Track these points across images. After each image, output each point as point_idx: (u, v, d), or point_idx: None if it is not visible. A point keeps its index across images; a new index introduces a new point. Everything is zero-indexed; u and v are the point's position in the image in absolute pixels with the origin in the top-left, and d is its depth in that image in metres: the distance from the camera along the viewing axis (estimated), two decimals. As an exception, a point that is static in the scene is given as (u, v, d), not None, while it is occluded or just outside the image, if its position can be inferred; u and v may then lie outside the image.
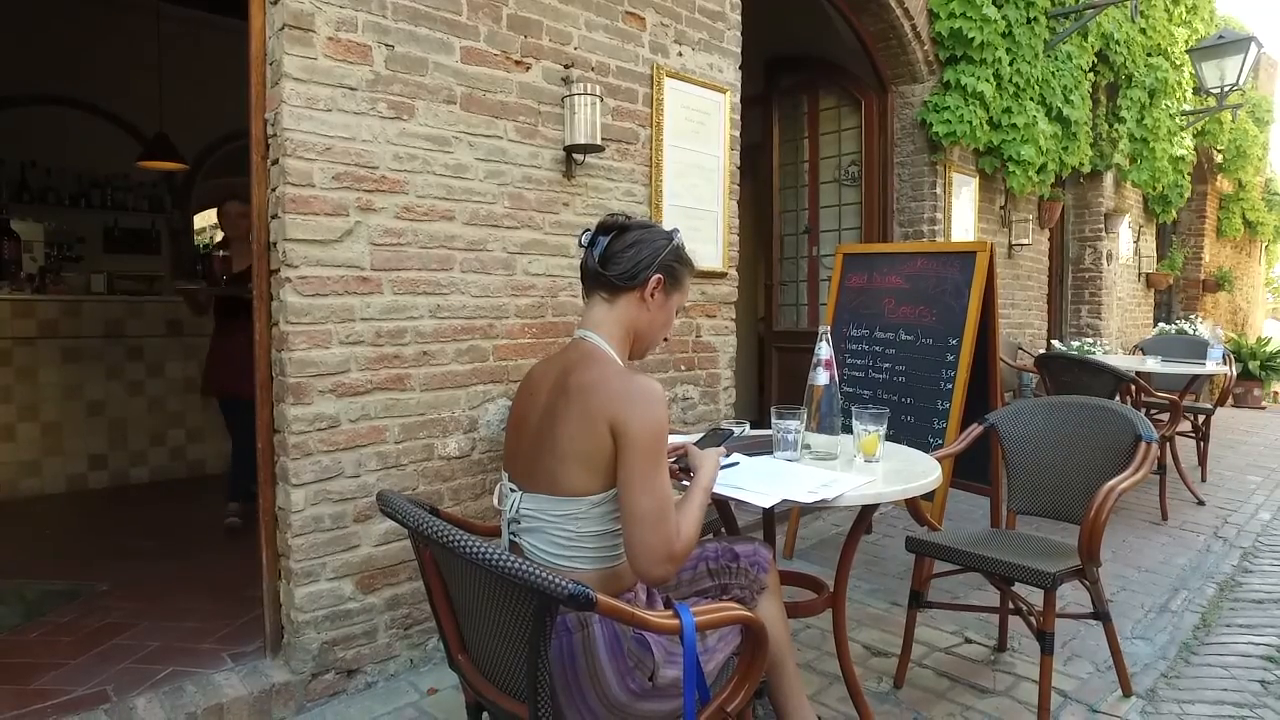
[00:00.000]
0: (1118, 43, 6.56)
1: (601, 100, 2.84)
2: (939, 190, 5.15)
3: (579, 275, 2.84)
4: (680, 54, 3.30)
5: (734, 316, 3.64)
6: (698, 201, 3.39)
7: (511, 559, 1.14)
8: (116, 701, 2.23)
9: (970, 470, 3.47)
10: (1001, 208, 5.92)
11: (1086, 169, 6.65)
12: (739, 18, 3.56)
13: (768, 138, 5.65)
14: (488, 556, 1.15)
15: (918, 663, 2.66)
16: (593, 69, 2.96)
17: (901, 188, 5.28)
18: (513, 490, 1.46)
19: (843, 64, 5.33)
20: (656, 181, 3.18)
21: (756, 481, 1.81)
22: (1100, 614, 2.31)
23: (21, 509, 4.38)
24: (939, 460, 2.21)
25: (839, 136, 5.50)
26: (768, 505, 1.68)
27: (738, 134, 3.57)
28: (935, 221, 5.15)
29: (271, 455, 2.36)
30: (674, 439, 1.78)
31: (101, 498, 4.71)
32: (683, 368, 3.39)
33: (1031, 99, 5.41)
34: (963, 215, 5.38)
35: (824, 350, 2.13)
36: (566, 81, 2.83)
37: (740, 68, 3.59)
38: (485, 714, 1.58)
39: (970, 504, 4.39)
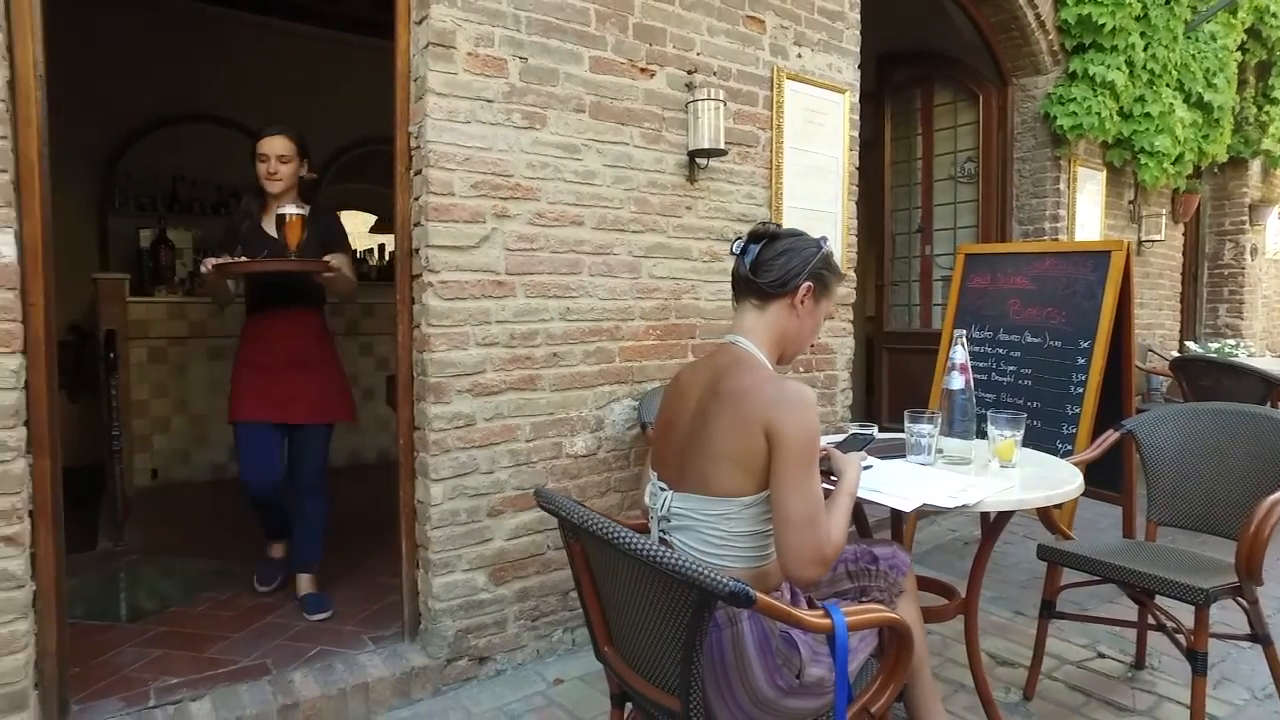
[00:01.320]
0: (1274, 15, 6.07)
1: (724, 105, 2.87)
2: (1062, 186, 4.94)
3: (701, 278, 2.90)
4: (800, 55, 3.29)
5: (851, 318, 3.60)
6: (817, 203, 3.37)
7: (676, 555, 1.18)
8: (276, 674, 2.41)
9: (1100, 478, 3.32)
10: (1130, 202, 5.62)
11: (1224, 158, 6.23)
12: (858, 16, 3.52)
13: (879, 135, 5.55)
14: (652, 553, 1.19)
15: (1047, 675, 2.58)
16: (714, 74, 2.99)
17: (1021, 184, 5.09)
18: (663, 489, 1.51)
19: (959, 58, 5.18)
20: (776, 183, 3.19)
21: (893, 485, 1.80)
22: (1260, 636, 2.18)
23: (174, 494, 4.76)
24: (1076, 468, 2.14)
25: (954, 132, 5.35)
26: (909, 509, 1.67)
27: (857, 134, 3.53)
28: (1058, 219, 4.94)
29: (411, 451, 2.49)
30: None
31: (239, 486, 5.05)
32: (801, 369, 3.38)
33: (1168, 85, 5.10)
34: (1088, 211, 5.14)
35: (959, 354, 2.10)
36: (690, 87, 2.87)
37: (859, 66, 3.55)
38: (629, 704, 1.64)
39: (1096, 513, 4.19)
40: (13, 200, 1.84)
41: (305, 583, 2.92)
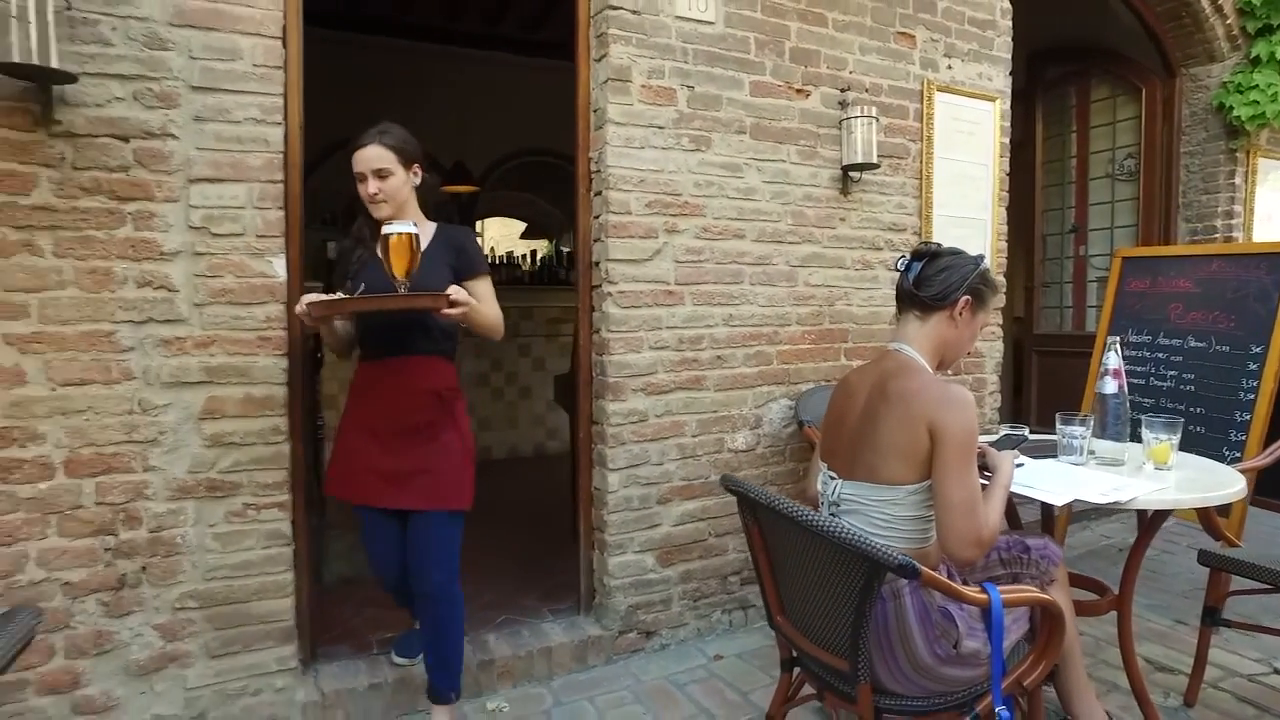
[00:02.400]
0: None
1: (876, 120, 3.02)
2: (1237, 180, 4.71)
3: (854, 286, 3.06)
4: (950, 67, 3.38)
5: (1000, 322, 3.64)
6: (966, 210, 3.45)
7: (852, 529, 1.39)
8: (472, 636, 2.76)
9: (1273, 487, 3.22)
10: (1317, 196, 5.26)
11: None
12: (1009, 23, 3.56)
13: (1030, 134, 5.45)
14: (832, 528, 1.41)
15: (1212, 684, 2.57)
16: (866, 90, 3.14)
17: (1189, 180, 4.89)
18: (833, 478, 1.72)
19: (1118, 50, 5.03)
20: (926, 193, 3.30)
21: (1045, 482, 1.92)
22: None
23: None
24: (1240, 473, 2.16)
25: (1113, 129, 5.20)
26: (1060, 503, 1.79)
27: (1008, 141, 3.57)
28: (1232, 215, 4.72)
29: (590, 443, 2.80)
30: (974, 441, 1.94)
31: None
32: (950, 372, 3.47)
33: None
34: (1268, 206, 4.87)
35: (1112, 360, 2.18)
36: (843, 105, 3.04)
37: (1010, 73, 3.58)
38: (795, 669, 1.85)
39: (1274, 525, 4.01)
40: (284, 230, 2.26)
41: (442, 715, 2.25)
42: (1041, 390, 5.45)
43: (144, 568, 2.12)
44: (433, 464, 2.14)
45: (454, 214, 8.40)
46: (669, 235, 2.74)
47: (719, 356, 2.86)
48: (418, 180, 2.22)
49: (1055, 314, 5.50)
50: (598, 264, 2.73)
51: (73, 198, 2.02)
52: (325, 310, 1.96)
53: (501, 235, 12.00)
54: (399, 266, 1.94)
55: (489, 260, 9.19)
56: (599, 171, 2.71)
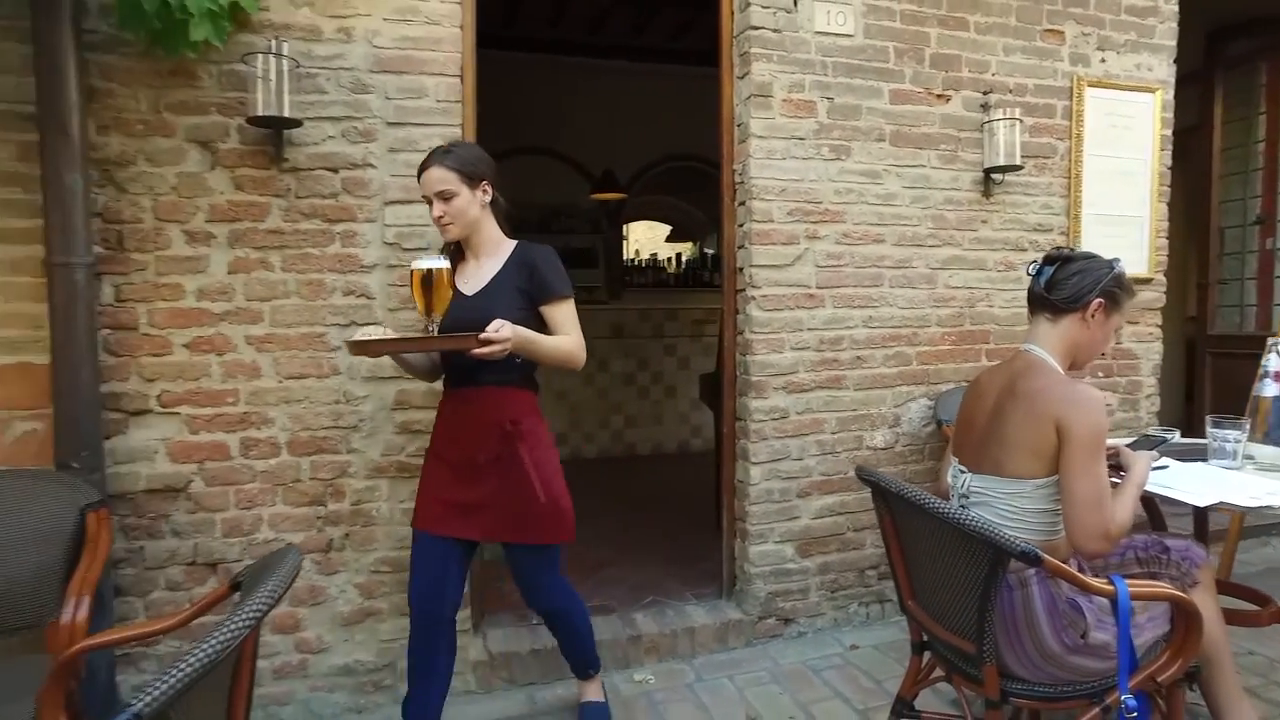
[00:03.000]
0: None
1: (1020, 122, 3.01)
2: None
3: (996, 287, 3.07)
4: (1103, 60, 3.29)
5: (1159, 323, 3.50)
6: (1120, 208, 3.35)
7: (977, 518, 1.49)
8: (621, 612, 3.00)
9: None
10: None
11: None
12: (1175, 7, 3.41)
13: (1206, 120, 5.11)
14: (957, 515, 1.51)
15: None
16: (1010, 91, 3.13)
17: (1394, 166, 4.45)
18: (963, 471, 1.81)
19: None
20: (1075, 192, 3.24)
21: (1190, 484, 1.91)
22: None
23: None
24: None
25: (1309, 111, 4.78)
26: (1202, 504, 1.79)
27: (1169, 134, 3.43)
28: None
29: (734, 438, 2.97)
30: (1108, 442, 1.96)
31: (564, 468, 5.93)
32: (1100, 374, 3.38)
33: None
34: None
35: (1273, 362, 2.12)
36: (985, 108, 3.05)
37: (1174, 60, 3.44)
38: (926, 653, 1.95)
39: None
40: (463, 244, 2.57)
41: (589, 689, 2.40)
42: (1216, 394, 5.10)
43: (347, 535, 2.49)
44: (500, 500, 2.05)
45: (602, 220, 8.80)
46: (810, 241, 2.87)
47: (858, 357, 2.95)
48: (487, 198, 2.08)
49: (1234, 313, 5.13)
50: (742, 269, 2.90)
51: (295, 222, 2.41)
52: (357, 351, 1.86)
53: (647, 238, 12.35)
54: (422, 304, 1.88)
55: (635, 264, 9.53)
56: (743, 182, 2.87)
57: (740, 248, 2.90)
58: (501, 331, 1.81)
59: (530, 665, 2.67)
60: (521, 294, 2.03)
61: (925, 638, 1.92)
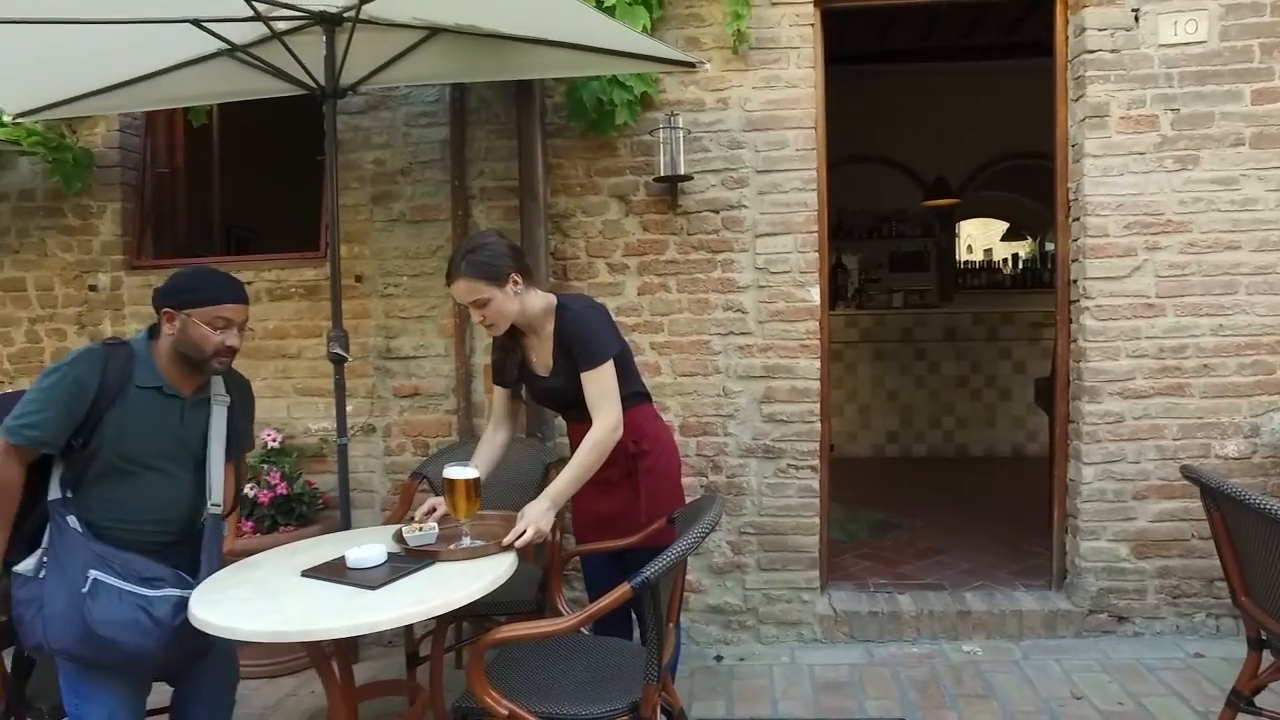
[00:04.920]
0: None
1: None
2: None
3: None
4: None
5: None
6: None
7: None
8: (950, 590, 3.32)
9: None
10: None
11: None
12: None
13: None
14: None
15: None
16: None
17: None
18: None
19: None
20: None
21: None
22: None
23: (845, 465, 6.10)
24: None
25: None
26: None
27: None
28: None
29: (1066, 439, 3.14)
30: None
31: (893, 464, 6.21)
32: None
33: None
34: None
35: None
36: (1371, 101, 2.86)
37: None
38: (1266, 650, 2.05)
39: None
40: (817, 268, 3.09)
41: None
42: None
43: (723, 502, 3.13)
44: (624, 510, 2.19)
45: (934, 223, 8.81)
46: (1149, 253, 2.95)
47: (1205, 365, 2.95)
48: (521, 288, 2.06)
49: None
50: (1075, 282, 3.06)
51: (686, 254, 3.12)
52: (414, 552, 1.94)
53: (981, 235, 11.92)
54: (460, 510, 1.97)
55: (968, 266, 9.32)
56: (1076, 199, 3.03)
57: (1074, 261, 3.07)
58: (526, 534, 1.93)
59: (869, 624, 3.11)
60: (575, 367, 2.09)
61: (1263, 635, 2.02)
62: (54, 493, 1.81)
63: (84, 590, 1.72)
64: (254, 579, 1.86)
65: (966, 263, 9.52)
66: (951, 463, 6.18)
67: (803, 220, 3.07)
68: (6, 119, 3.04)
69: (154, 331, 1.91)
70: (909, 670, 2.87)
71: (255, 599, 1.72)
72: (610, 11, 2.79)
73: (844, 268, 7.47)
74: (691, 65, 2.74)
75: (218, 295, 1.86)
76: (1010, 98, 6.98)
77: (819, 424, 3.10)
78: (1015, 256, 9.45)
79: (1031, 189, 8.72)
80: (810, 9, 3.03)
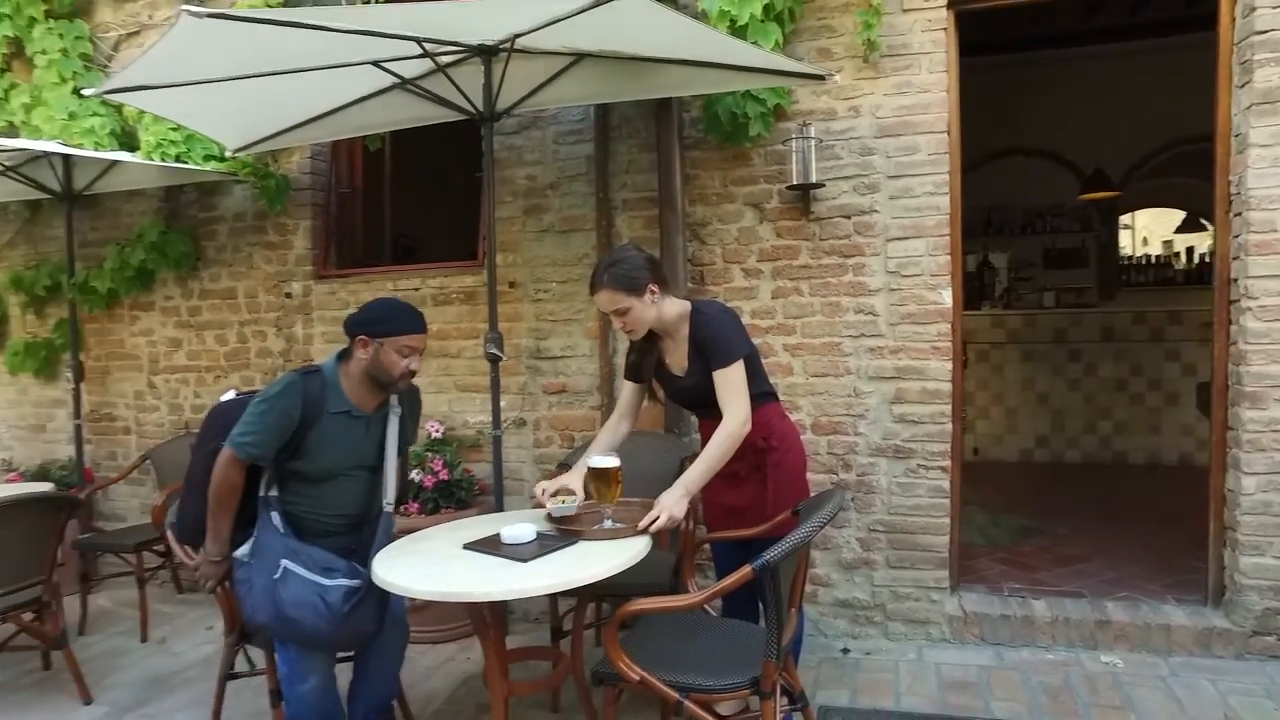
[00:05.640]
0: None
1: None
2: None
3: None
4: None
5: None
6: None
7: None
8: (1090, 599, 3.22)
9: None
10: None
11: None
12: None
13: None
14: None
15: None
16: None
17: None
18: None
19: None
20: None
21: None
22: None
23: (989, 469, 5.92)
24: None
25: None
26: None
27: None
28: None
29: (1224, 447, 2.98)
30: None
31: (1043, 469, 5.96)
32: None
33: None
34: None
35: None
36: None
37: None
38: None
39: None
40: (949, 271, 3.10)
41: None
42: None
43: (852, 499, 3.21)
44: (752, 502, 2.33)
45: (1093, 216, 8.31)
46: (1319, 251, 2.76)
47: (1383, 370, 2.74)
48: (658, 297, 2.22)
49: None
50: (1235, 280, 2.91)
51: (819, 258, 3.21)
52: (561, 531, 2.15)
53: (1156, 228, 11.03)
54: (599, 495, 2.19)
55: (1135, 261, 8.73)
56: (1239, 193, 2.88)
57: (1235, 259, 2.91)
58: (661, 519, 2.07)
59: (1000, 627, 3.09)
60: (708, 367, 2.23)
61: None
62: (263, 490, 2.20)
63: (275, 577, 2.09)
64: (424, 549, 2.15)
65: (1133, 258, 8.88)
66: (1108, 470, 5.87)
67: (934, 224, 3.09)
68: (227, 154, 3.57)
69: (342, 355, 2.25)
70: (1041, 676, 2.84)
71: (426, 566, 2.01)
72: (743, 30, 2.93)
73: (990, 266, 7.20)
74: (821, 77, 2.84)
75: (408, 327, 2.19)
76: (1187, 77, 6.48)
77: (950, 425, 3.11)
78: (1190, 250, 8.74)
79: (1209, 174, 8.05)
80: (943, 13, 3.04)
